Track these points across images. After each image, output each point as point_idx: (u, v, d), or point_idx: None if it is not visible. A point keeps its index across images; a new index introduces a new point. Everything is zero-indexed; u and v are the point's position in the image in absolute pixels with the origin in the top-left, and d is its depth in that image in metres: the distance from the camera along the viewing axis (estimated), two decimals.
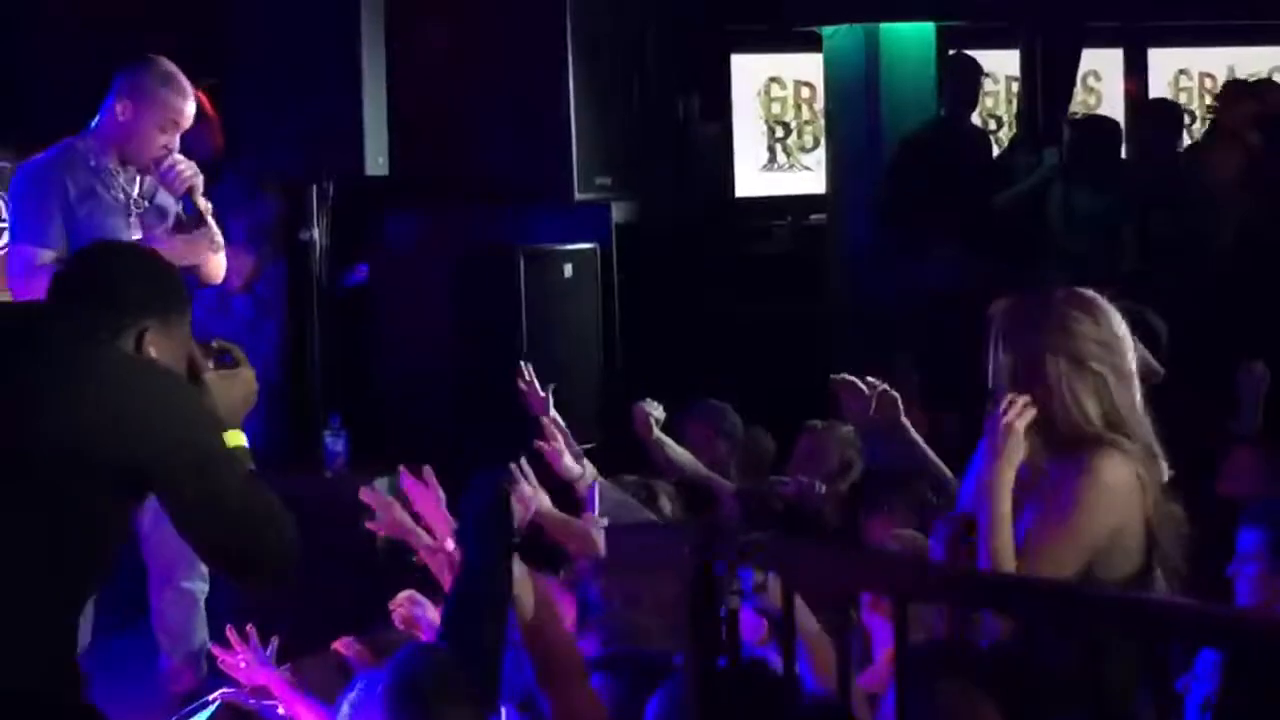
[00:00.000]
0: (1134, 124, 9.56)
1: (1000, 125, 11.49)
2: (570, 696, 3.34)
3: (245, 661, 4.90)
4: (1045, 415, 3.97)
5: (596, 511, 5.16)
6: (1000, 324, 4.08)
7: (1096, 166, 8.84)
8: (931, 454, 5.22)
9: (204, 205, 5.77)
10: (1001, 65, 10.95)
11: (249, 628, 4.90)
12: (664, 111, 8.63)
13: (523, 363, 6.15)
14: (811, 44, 9.99)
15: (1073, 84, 10.14)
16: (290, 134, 6.94)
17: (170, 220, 5.83)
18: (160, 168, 5.74)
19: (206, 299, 6.70)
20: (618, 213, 8.23)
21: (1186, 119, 10.29)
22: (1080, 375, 3.99)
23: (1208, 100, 10.37)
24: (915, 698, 3.31)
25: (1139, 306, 6.96)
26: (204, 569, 5.81)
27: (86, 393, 3.37)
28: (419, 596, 4.94)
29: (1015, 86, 10.79)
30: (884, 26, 9.53)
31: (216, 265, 5.86)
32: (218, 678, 5.18)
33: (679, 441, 6.12)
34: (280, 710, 4.79)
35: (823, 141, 10.33)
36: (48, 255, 5.59)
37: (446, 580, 4.68)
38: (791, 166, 11.15)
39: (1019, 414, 3.95)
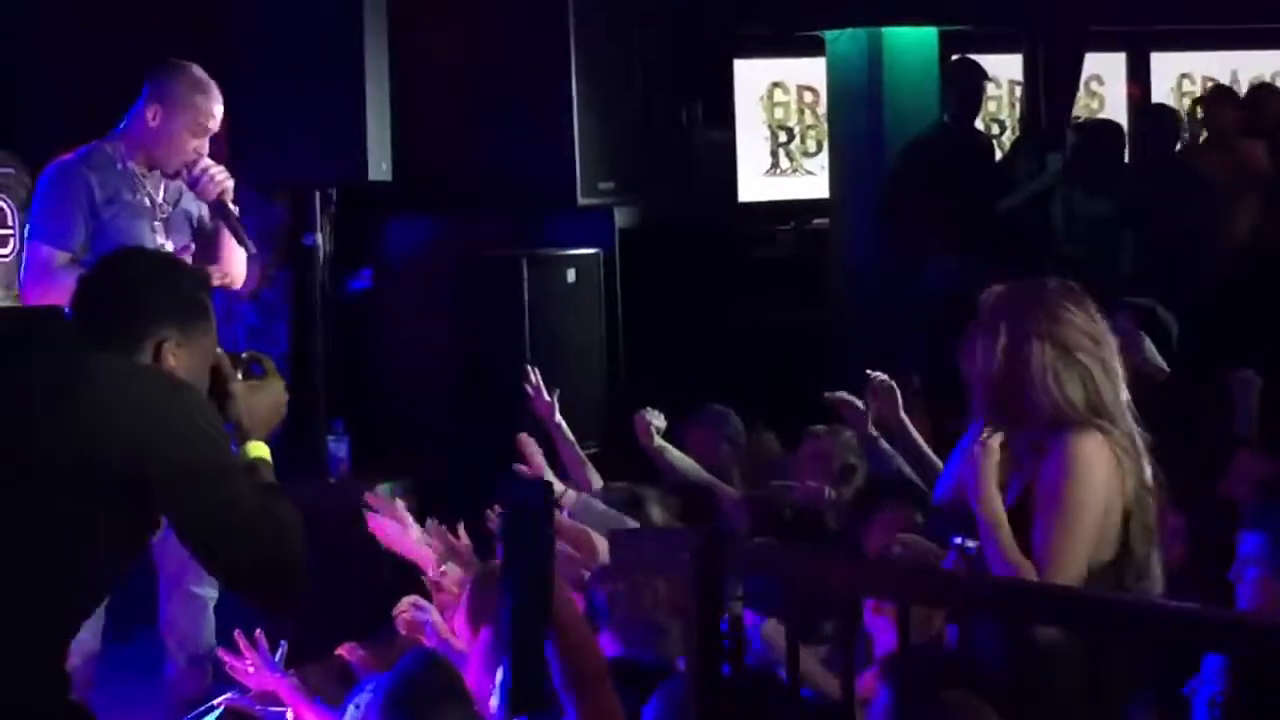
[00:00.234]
0: (1135, 128, 9.59)
1: (1003, 130, 11.49)
2: (597, 698, 3.33)
3: (253, 666, 4.90)
4: (1029, 401, 3.98)
5: None
6: (991, 308, 4.09)
7: (1100, 171, 8.86)
8: (932, 455, 5.24)
9: (235, 210, 5.77)
10: (1004, 69, 10.94)
11: (257, 632, 4.90)
12: (667, 116, 8.63)
13: (528, 366, 6.16)
14: (814, 48, 10.00)
15: (1076, 88, 10.13)
16: (293, 140, 6.93)
17: (194, 226, 5.83)
18: (191, 173, 5.71)
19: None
20: (621, 218, 8.23)
21: (1185, 121, 10.30)
22: (1067, 363, 3.99)
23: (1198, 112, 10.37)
24: (917, 711, 3.32)
25: (1150, 302, 6.98)
26: None
27: (84, 400, 3.37)
28: (423, 602, 4.95)
29: (1018, 91, 10.77)
30: (887, 31, 9.54)
31: (243, 270, 5.88)
32: (223, 683, 5.18)
33: (681, 447, 6.11)
34: (288, 715, 4.80)
35: (826, 146, 10.35)
36: (64, 257, 5.57)
37: (450, 619, 4.69)
38: (795, 171, 11.16)
39: (991, 433, 3.97)
